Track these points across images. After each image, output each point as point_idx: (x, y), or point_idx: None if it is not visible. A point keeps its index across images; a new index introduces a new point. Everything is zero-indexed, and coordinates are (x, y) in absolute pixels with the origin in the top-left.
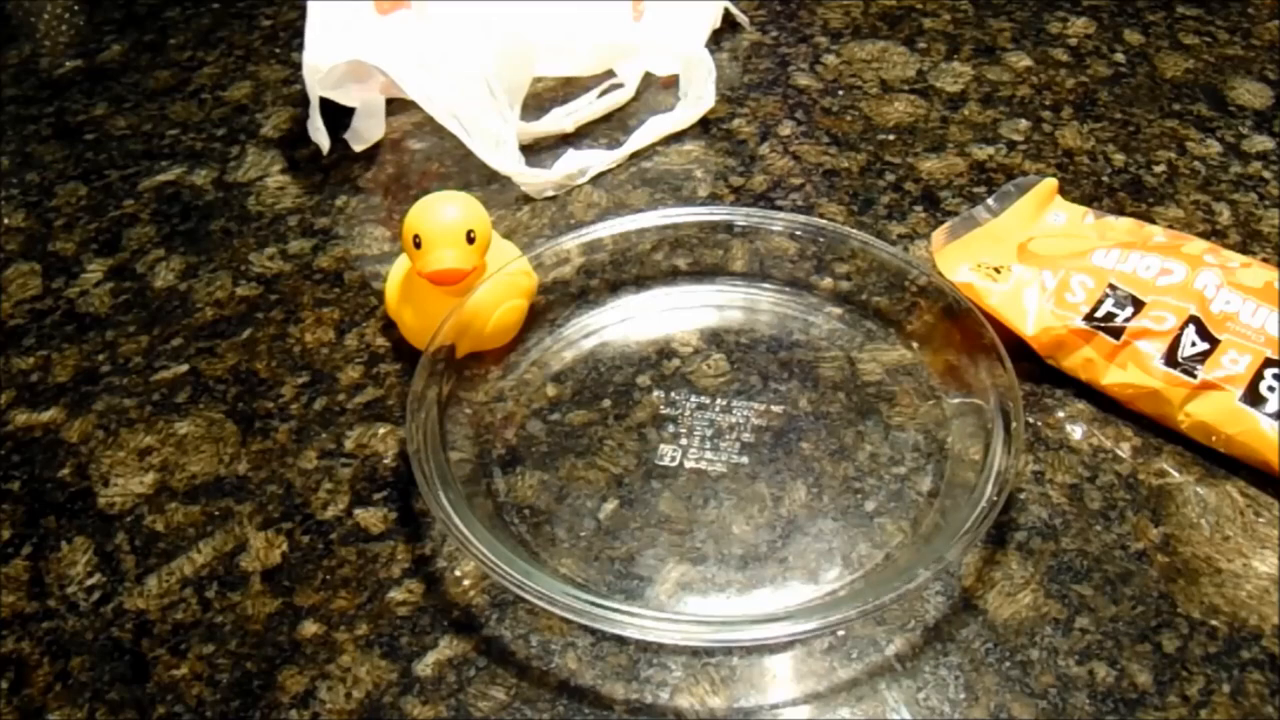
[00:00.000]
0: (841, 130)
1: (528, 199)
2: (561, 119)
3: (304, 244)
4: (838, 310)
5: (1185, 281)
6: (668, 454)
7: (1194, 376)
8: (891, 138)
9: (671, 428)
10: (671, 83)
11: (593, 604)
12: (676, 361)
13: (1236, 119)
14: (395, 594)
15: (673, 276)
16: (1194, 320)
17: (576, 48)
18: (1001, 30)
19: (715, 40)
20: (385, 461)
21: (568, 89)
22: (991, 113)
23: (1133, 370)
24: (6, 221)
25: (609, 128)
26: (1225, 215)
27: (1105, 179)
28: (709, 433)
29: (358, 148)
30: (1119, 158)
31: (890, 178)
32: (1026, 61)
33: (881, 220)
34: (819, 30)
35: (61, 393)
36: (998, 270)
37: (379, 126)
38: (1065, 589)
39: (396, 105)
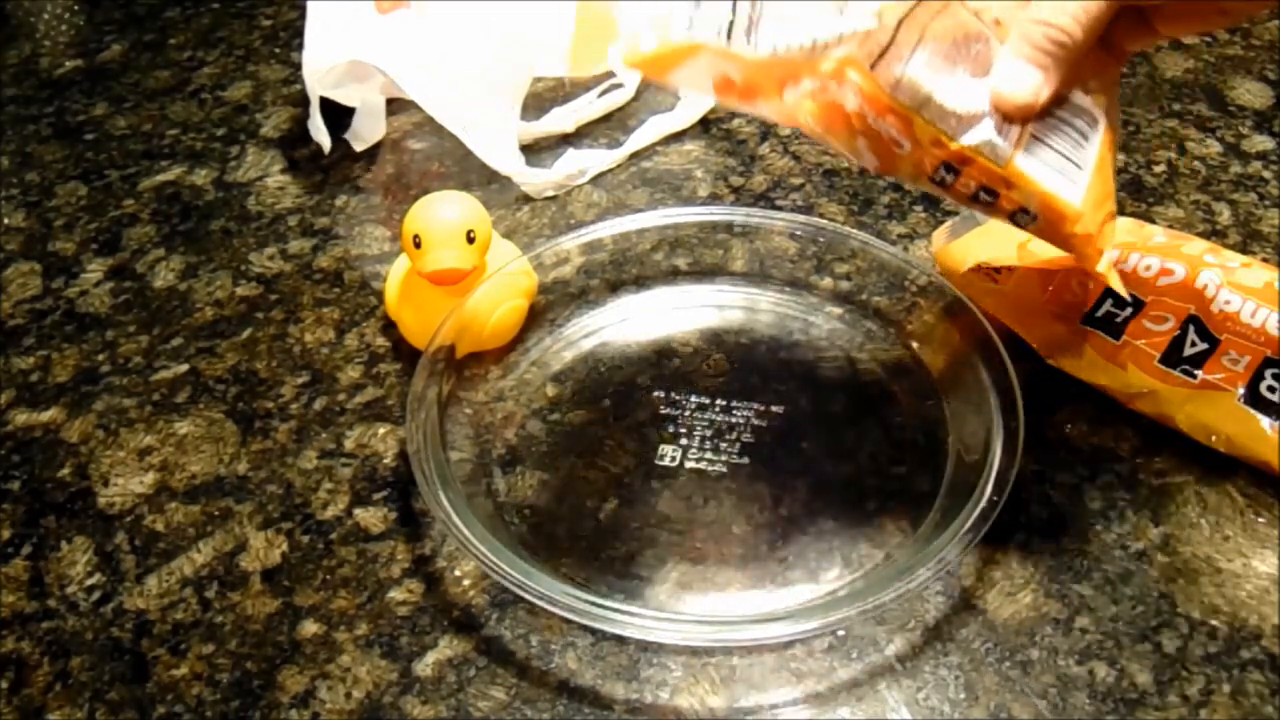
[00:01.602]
0: None
1: (528, 199)
2: (561, 119)
3: (304, 244)
4: (838, 310)
5: (1185, 281)
6: (668, 454)
7: (1194, 376)
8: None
9: (671, 428)
10: None
11: (593, 604)
12: (676, 361)
13: (1236, 119)
14: (395, 594)
15: (673, 276)
16: (1194, 320)
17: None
18: None
19: None
20: (385, 461)
21: (568, 89)
22: None
23: (1133, 370)
24: (6, 221)
25: (609, 128)
26: (1225, 215)
27: None
28: (709, 433)
29: (359, 147)
30: (1119, 157)
31: (890, 177)
32: None
33: (881, 220)
34: None
35: (61, 393)
36: (998, 270)
37: (379, 126)
38: (1065, 589)
39: (396, 105)
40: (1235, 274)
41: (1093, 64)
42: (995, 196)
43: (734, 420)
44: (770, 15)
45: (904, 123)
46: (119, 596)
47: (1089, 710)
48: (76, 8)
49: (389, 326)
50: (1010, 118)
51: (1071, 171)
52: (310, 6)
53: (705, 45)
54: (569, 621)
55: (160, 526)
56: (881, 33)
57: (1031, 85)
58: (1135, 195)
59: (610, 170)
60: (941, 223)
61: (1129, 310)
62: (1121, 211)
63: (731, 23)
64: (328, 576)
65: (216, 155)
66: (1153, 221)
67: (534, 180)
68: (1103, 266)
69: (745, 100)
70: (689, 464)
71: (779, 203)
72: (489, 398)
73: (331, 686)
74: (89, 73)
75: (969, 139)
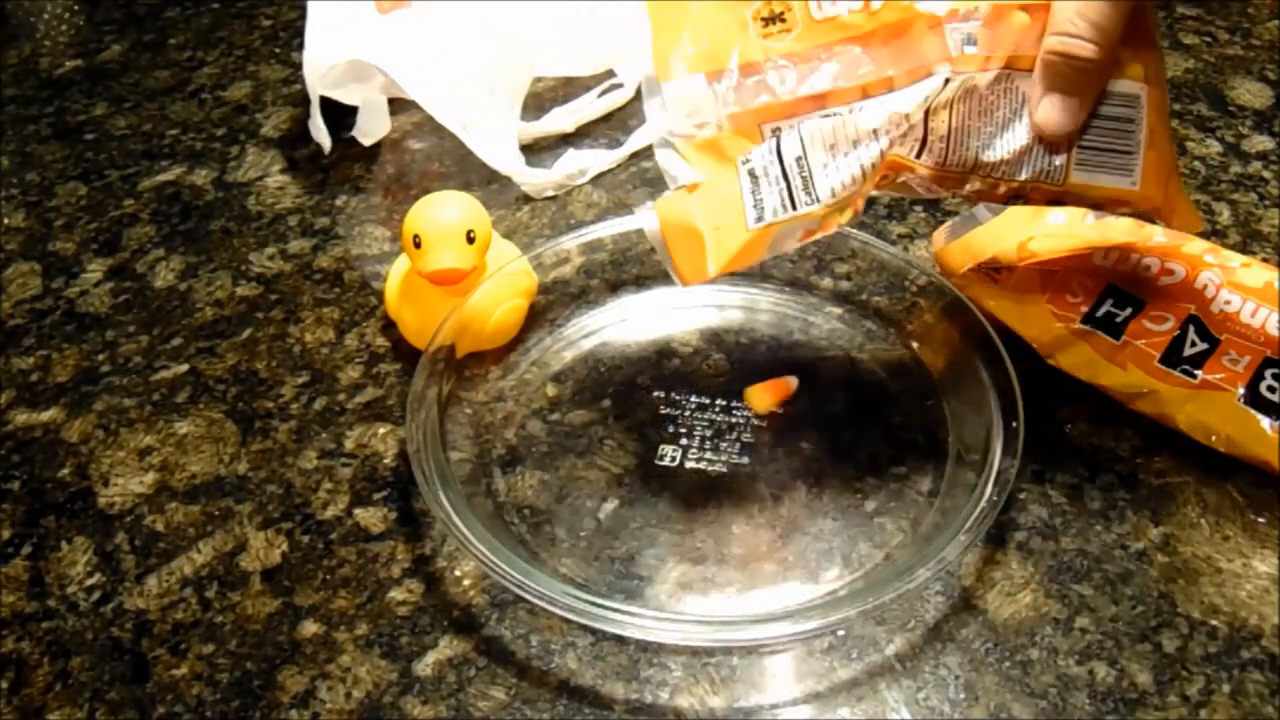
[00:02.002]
0: None
1: (528, 199)
2: (561, 119)
3: (304, 244)
4: (838, 310)
5: (1185, 281)
6: (668, 454)
7: (1194, 376)
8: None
9: (671, 428)
10: None
11: (593, 604)
12: (676, 361)
13: (1236, 119)
14: (395, 594)
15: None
16: (1194, 320)
17: (576, 48)
18: None
19: None
20: (385, 461)
21: (568, 89)
22: None
23: (1133, 370)
24: (6, 221)
25: (609, 128)
26: (1225, 215)
27: None
28: (709, 433)
29: (366, 142)
30: None
31: None
32: None
33: (881, 220)
34: None
35: (61, 393)
36: (998, 270)
37: (384, 122)
38: (1065, 589)
39: (398, 104)
40: (1235, 274)
41: (1122, 40)
42: (1064, 203)
43: (734, 420)
44: (818, 164)
45: (962, 180)
46: (119, 596)
47: (1089, 710)
48: (76, 8)
49: (389, 326)
50: (1055, 146)
51: (1125, 161)
52: (310, 6)
53: (778, 223)
54: (569, 621)
55: (160, 526)
56: (914, 130)
57: (1066, 115)
58: None
59: (610, 170)
60: (941, 223)
61: (1129, 310)
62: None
63: (789, 189)
64: (328, 576)
65: (216, 155)
66: (1153, 221)
67: (534, 180)
68: (1177, 224)
69: (825, 230)
70: (689, 464)
71: None
72: (489, 398)
73: (331, 686)
74: (89, 73)
75: (1023, 175)
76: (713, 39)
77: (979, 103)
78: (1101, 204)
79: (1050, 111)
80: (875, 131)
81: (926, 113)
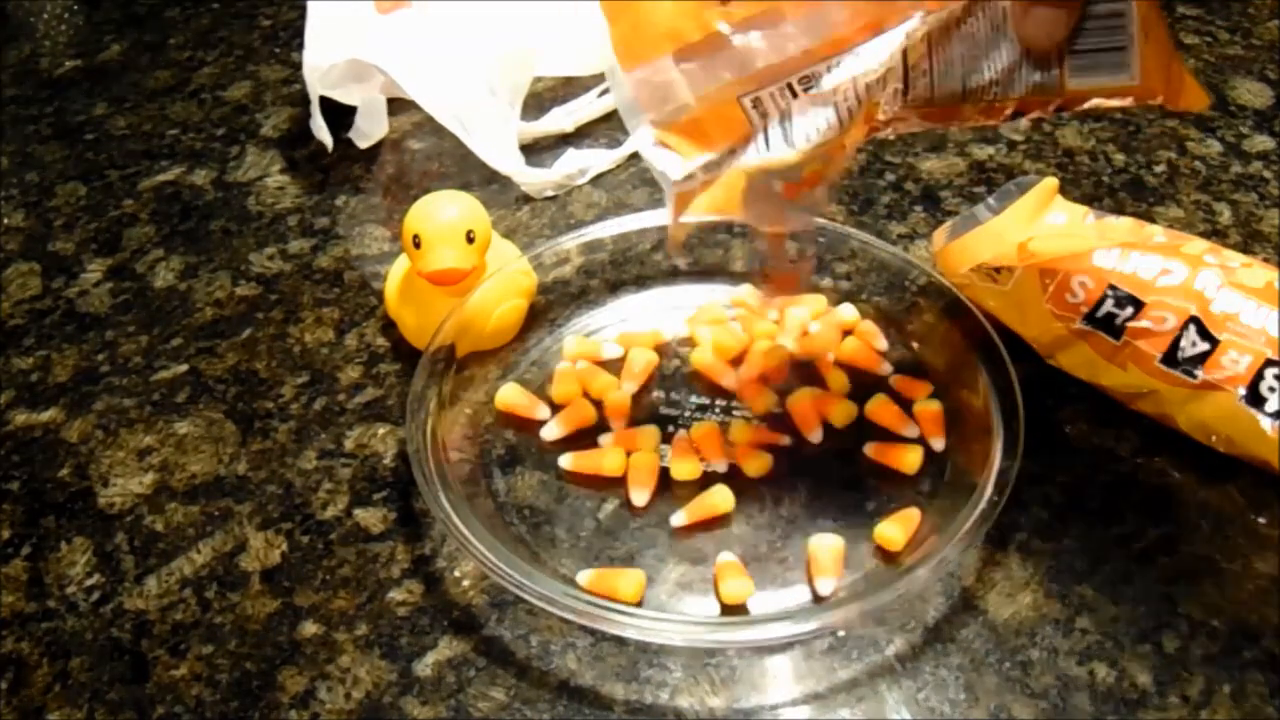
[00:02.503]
0: None
1: (528, 199)
2: (561, 119)
3: (304, 244)
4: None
5: (1185, 281)
6: (668, 454)
7: (1194, 376)
8: (891, 137)
9: (671, 428)
10: None
11: (593, 604)
12: (676, 361)
13: (1236, 119)
14: (395, 594)
15: (673, 276)
16: (1194, 320)
17: (576, 48)
18: None
19: None
20: (385, 461)
21: (568, 89)
22: None
23: (1133, 370)
24: (6, 221)
25: (609, 128)
26: (1225, 215)
27: (1105, 179)
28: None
29: (363, 144)
30: (1119, 158)
31: (890, 178)
32: None
33: (881, 220)
34: None
35: (61, 393)
36: (998, 271)
37: (382, 123)
38: (1065, 589)
39: (397, 105)
40: (1236, 274)
41: None
42: (1066, 109)
43: (734, 420)
44: (796, 111)
45: (954, 110)
46: (119, 597)
47: (1089, 711)
48: (76, 8)
49: (389, 326)
50: (1045, 57)
51: (1120, 57)
52: (310, 6)
53: (746, 167)
54: (569, 621)
55: (160, 526)
56: (893, 72)
57: (1053, 23)
58: (1135, 195)
59: (610, 170)
60: (941, 223)
61: (1129, 310)
62: (1121, 211)
63: (766, 139)
64: (328, 576)
65: (216, 155)
66: (1153, 221)
67: (534, 180)
68: (1184, 104)
69: (810, 185)
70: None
71: None
72: (489, 398)
73: (331, 687)
74: (89, 73)
75: (1017, 90)
76: (672, 16)
77: (956, 29)
78: (1106, 99)
79: (1036, 22)
80: (854, 79)
81: (904, 52)
